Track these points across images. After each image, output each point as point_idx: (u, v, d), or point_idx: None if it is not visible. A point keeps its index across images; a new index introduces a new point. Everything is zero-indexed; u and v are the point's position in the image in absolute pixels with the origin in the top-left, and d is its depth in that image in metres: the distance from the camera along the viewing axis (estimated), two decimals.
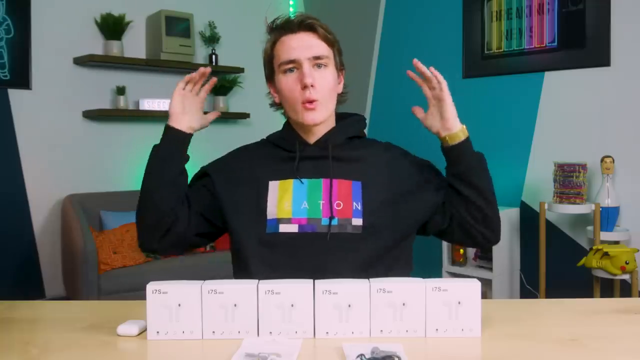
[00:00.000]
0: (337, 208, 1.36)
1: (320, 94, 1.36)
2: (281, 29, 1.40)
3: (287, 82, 1.38)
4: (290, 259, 1.32)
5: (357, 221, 1.35)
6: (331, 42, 1.40)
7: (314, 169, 1.40)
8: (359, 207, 1.36)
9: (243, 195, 1.41)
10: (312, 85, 1.35)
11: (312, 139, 1.43)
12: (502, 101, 3.73)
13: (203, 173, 1.48)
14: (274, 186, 1.39)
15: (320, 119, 1.39)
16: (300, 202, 1.36)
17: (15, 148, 3.62)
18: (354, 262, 1.31)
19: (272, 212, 1.37)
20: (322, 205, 1.36)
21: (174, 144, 1.42)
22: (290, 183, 1.39)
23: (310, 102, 1.36)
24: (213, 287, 1.07)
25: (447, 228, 1.44)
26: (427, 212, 1.42)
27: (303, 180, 1.39)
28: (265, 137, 1.52)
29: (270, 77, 1.45)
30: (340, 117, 1.49)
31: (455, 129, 1.37)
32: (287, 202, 1.37)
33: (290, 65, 1.37)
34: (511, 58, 3.67)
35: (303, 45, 1.36)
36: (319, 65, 1.37)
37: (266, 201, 1.38)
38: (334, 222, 1.35)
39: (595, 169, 3.28)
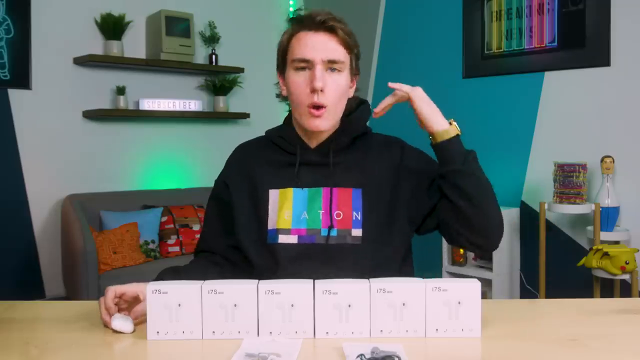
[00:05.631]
0: (336, 218, 1.34)
1: (329, 99, 1.30)
2: (301, 22, 1.33)
3: (297, 80, 1.32)
4: (291, 271, 1.29)
5: (357, 232, 1.33)
6: (350, 47, 1.33)
7: (314, 176, 1.37)
8: (359, 217, 1.34)
9: (246, 202, 1.39)
10: (321, 90, 1.29)
11: (314, 143, 1.39)
12: (502, 101, 3.73)
13: (222, 185, 1.44)
14: (274, 195, 1.37)
15: (325, 127, 1.34)
16: (300, 212, 1.35)
17: (15, 148, 3.62)
18: (355, 273, 1.24)
19: (272, 222, 1.35)
20: (321, 214, 1.34)
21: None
22: (290, 192, 1.36)
23: (317, 107, 1.30)
24: (213, 287, 1.07)
25: (438, 230, 1.39)
26: (419, 216, 1.39)
27: (303, 189, 1.36)
28: (265, 134, 1.47)
29: (281, 68, 1.39)
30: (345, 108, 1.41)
31: (437, 128, 1.32)
32: (287, 211, 1.35)
33: (303, 65, 1.31)
34: (511, 58, 3.67)
35: (320, 46, 1.30)
36: (332, 69, 1.31)
37: (267, 210, 1.36)
38: (333, 233, 1.33)
39: (595, 169, 3.28)
